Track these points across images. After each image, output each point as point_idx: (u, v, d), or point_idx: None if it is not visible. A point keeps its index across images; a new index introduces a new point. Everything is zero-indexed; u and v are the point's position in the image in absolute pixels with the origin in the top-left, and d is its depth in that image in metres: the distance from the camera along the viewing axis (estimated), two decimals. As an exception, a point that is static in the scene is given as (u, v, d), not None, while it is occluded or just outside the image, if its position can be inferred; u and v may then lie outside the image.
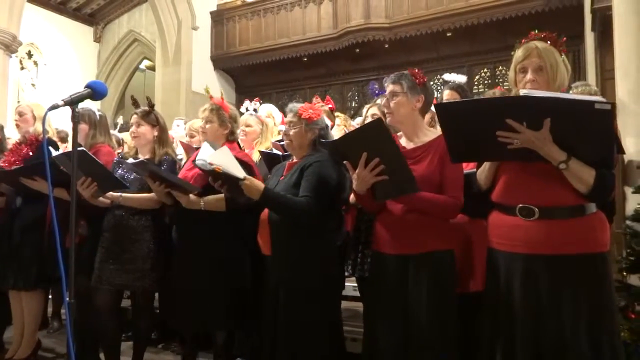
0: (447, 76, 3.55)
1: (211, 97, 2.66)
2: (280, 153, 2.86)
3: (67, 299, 1.55)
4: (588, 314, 1.59)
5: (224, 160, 2.13)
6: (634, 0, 3.61)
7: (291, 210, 2.15)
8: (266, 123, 3.36)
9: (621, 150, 2.85)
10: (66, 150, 2.71)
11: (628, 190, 3.10)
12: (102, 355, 2.81)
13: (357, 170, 1.89)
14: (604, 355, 1.58)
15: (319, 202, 2.13)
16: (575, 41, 6.40)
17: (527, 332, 1.63)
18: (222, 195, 2.41)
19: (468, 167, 2.05)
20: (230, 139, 2.63)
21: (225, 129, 2.59)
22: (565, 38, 1.76)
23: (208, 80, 9.45)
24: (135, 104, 2.76)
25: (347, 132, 3.78)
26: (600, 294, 1.61)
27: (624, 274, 2.62)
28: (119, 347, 2.77)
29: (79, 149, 1.69)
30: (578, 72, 6.66)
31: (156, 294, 2.92)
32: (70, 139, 4.38)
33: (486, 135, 1.58)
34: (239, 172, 2.12)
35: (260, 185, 2.15)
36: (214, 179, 2.25)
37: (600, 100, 1.46)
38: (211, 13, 9.70)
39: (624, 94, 3.64)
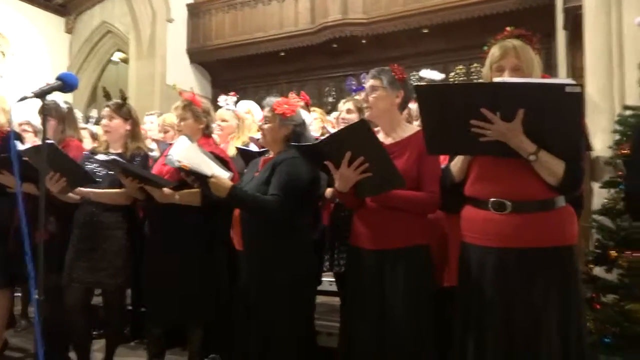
0: (424, 73, 3.57)
1: (181, 94, 2.62)
2: (256, 149, 2.85)
3: (36, 296, 1.51)
4: (557, 305, 1.62)
5: (191, 157, 2.12)
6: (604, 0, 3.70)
7: (259, 209, 2.15)
8: (242, 118, 3.33)
9: (589, 147, 2.92)
10: (34, 144, 2.64)
11: (595, 186, 3.18)
12: (72, 354, 2.76)
13: (340, 169, 1.90)
14: (571, 344, 1.62)
15: (289, 200, 2.11)
16: (547, 39, 6.52)
17: (499, 325, 1.65)
18: (197, 189, 2.39)
19: (443, 163, 2.07)
20: (206, 133, 2.60)
21: (200, 124, 2.56)
22: (540, 36, 1.78)
23: (184, 74, 9.32)
24: (107, 96, 2.71)
25: (324, 125, 3.80)
26: (568, 285, 1.65)
27: (591, 266, 2.69)
28: (90, 345, 2.73)
29: (47, 142, 1.66)
30: (549, 70, 6.79)
31: (128, 291, 2.88)
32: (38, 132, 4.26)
33: (461, 124, 1.59)
34: (207, 169, 2.11)
35: (227, 183, 2.13)
36: (186, 174, 2.23)
37: (570, 83, 1.48)
38: (187, 5, 9.54)
39: (593, 91, 3.73)
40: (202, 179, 2.15)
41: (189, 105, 2.55)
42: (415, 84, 2.06)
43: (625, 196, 1.83)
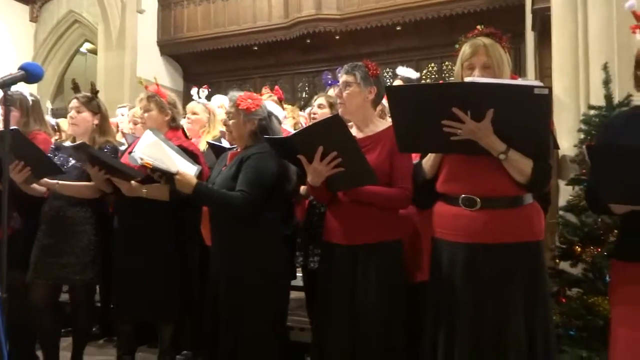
0: (400, 70, 3.59)
1: (146, 87, 2.58)
2: (227, 144, 2.82)
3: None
4: (524, 299, 1.67)
5: (154, 154, 2.09)
6: (571, 2, 3.79)
7: (225, 205, 2.13)
8: (213, 111, 3.28)
9: (556, 146, 3.00)
10: None
11: (561, 183, 3.27)
12: (40, 353, 2.68)
13: (312, 164, 1.89)
14: (537, 337, 1.67)
15: (255, 195, 2.10)
16: (517, 39, 6.66)
17: (468, 319, 1.68)
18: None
19: (415, 159, 2.10)
20: (173, 126, 2.56)
21: (165, 116, 2.52)
22: (509, 35, 1.81)
23: (154, 66, 9.13)
24: (76, 88, 2.63)
25: (295, 122, 3.80)
26: (535, 280, 1.70)
27: (557, 261, 2.77)
28: (58, 344, 2.65)
29: (11, 128, 1.59)
30: (519, 70, 6.95)
31: (97, 287, 2.82)
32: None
33: (433, 123, 1.61)
34: (171, 165, 2.08)
35: (192, 180, 2.11)
36: (151, 170, 2.19)
37: (538, 85, 1.52)
38: (158, -4, 9.37)
39: (560, 90, 3.82)
40: (167, 175, 2.12)
41: (153, 97, 2.51)
42: (387, 84, 2.08)
43: (586, 191, 1.88)
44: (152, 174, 2.19)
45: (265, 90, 3.59)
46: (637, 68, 1.62)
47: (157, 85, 2.58)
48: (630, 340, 1.54)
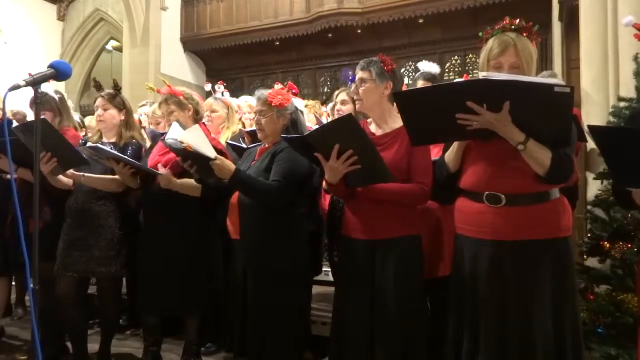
0: (421, 64, 3.56)
1: (158, 91, 2.63)
2: (245, 146, 2.84)
3: (32, 285, 1.51)
4: (551, 296, 1.64)
5: (195, 139, 2.11)
6: (600, -9, 3.68)
7: (260, 192, 2.15)
8: (231, 106, 3.30)
9: (584, 139, 2.93)
10: (26, 121, 2.61)
11: (590, 177, 3.20)
12: (69, 343, 2.76)
13: (329, 162, 1.90)
14: (566, 335, 1.64)
15: (289, 186, 2.13)
16: (543, 30, 6.51)
17: (493, 318, 1.66)
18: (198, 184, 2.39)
19: (436, 155, 2.07)
20: (197, 119, 2.60)
21: (188, 110, 2.57)
22: (537, 27, 1.73)
23: (178, 63, 9.24)
24: (98, 87, 2.68)
25: (318, 118, 3.79)
26: (563, 277, 1.66)
27: (584, 257, 2.71)
28: (86, 334, 2.72)
29: (39, 117, 1.62)
30: (545, 61, 6.80)
31: (123, 280, 2.87)
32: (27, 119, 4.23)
33: (446, 118, 1.59)
34: (210, 151, 2.10)
35: (231, 165, 2.13)
36: (183, 159, 2.22)
37: (559, 84, 1.48)
38: (181, -7, 9.46)
39: (588, 83, 3.73)
40: (203, 162, 2.13)
41: (170, 98, 2.55)
42: (406, 81, 2.06)
43: (612, 184, 1.83)
44: (183, 163, 2.23)
45: (277, 85, 3.58)
46: None
47: (169, 86, 2.61)
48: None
